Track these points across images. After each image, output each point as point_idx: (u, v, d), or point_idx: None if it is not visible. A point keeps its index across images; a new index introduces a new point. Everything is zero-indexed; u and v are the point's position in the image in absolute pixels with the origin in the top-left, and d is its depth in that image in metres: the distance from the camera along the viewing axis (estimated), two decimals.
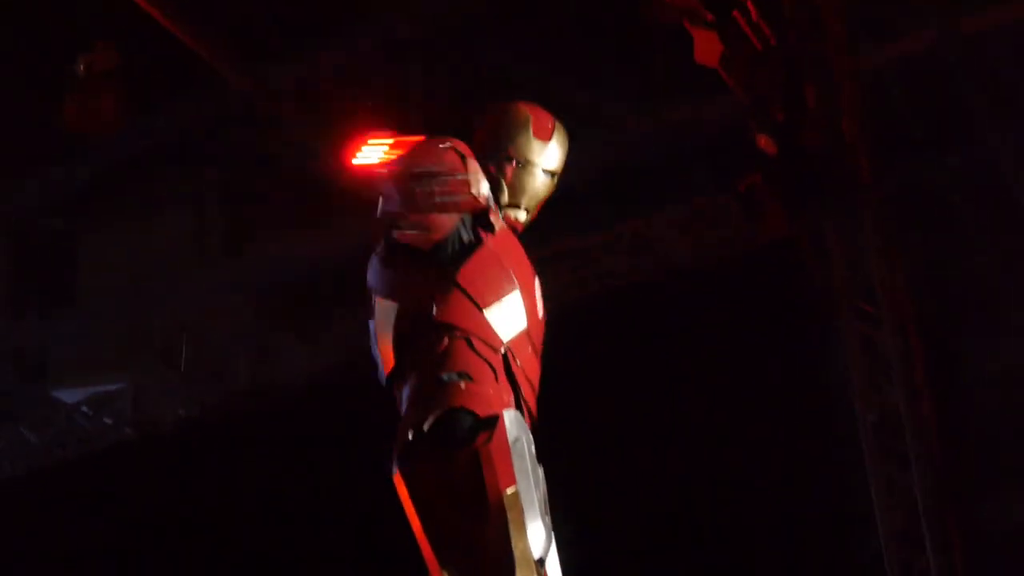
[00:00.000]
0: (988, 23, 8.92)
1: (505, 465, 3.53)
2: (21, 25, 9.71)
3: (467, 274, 3.78)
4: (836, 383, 8.39)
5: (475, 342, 3.75)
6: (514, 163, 4.07)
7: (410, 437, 3.61)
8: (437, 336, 3.76)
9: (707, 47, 6.99)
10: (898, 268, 8.30)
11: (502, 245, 3.92)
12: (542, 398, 3.99)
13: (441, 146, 3.94)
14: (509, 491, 3.51)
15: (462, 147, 3.95)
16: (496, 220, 3.93)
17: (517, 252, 4.01)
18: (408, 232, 3.79)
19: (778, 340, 8.73)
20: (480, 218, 3.88)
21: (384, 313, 3.87)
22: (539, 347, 3.99)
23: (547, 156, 4.12)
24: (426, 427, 3.60)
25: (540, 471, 3.77)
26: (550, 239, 9.70)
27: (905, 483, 7.92)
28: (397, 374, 3.82)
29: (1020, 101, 9.98)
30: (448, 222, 3.80)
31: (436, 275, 3.78)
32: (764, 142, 7.22)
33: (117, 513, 11.00)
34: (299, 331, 10.63)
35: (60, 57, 9.50)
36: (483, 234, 3.86)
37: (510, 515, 3.49)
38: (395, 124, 9.83)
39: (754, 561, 8.90)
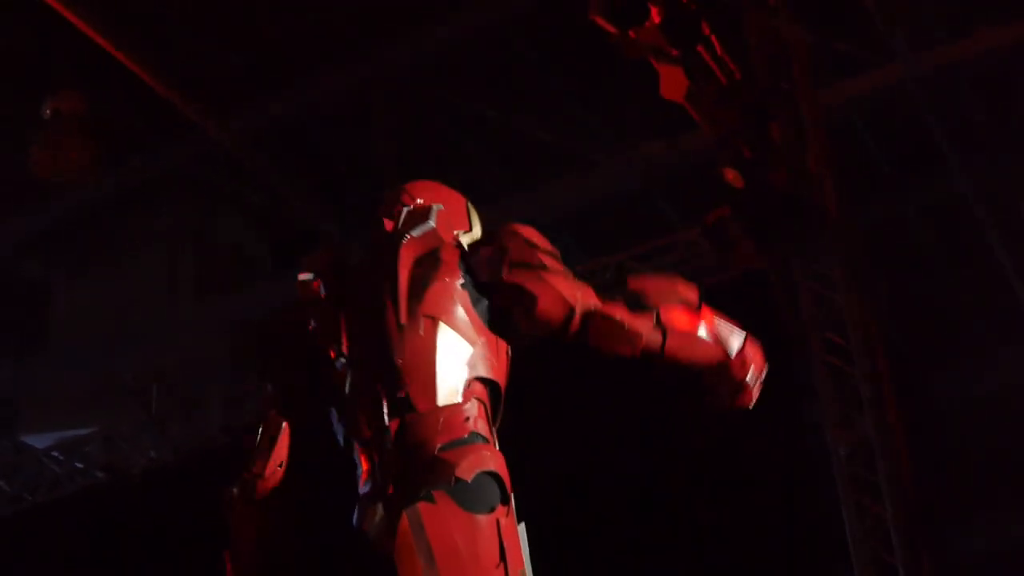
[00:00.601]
0: (950, 57, 8.97)
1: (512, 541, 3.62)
2: None
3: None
4: (807, 414, 8.40)
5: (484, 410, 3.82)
6: None
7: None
8: (474, 399, 3.80)
9: (673, 82, 6.98)
10: (866, 300, 8.31)
11: None
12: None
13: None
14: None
15: None
16: None
17: None
18: None
19: None
20: None
21: None
22: None
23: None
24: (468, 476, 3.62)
25: None
26: None
27: (877, 511, 7.93)
28: None
29: (982, 133, 10.06)
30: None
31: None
32: (732, 176, 7.23)
33: (89, 555, 10.93)
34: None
35: (26, 105, 9.49)
36: None
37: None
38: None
39: None
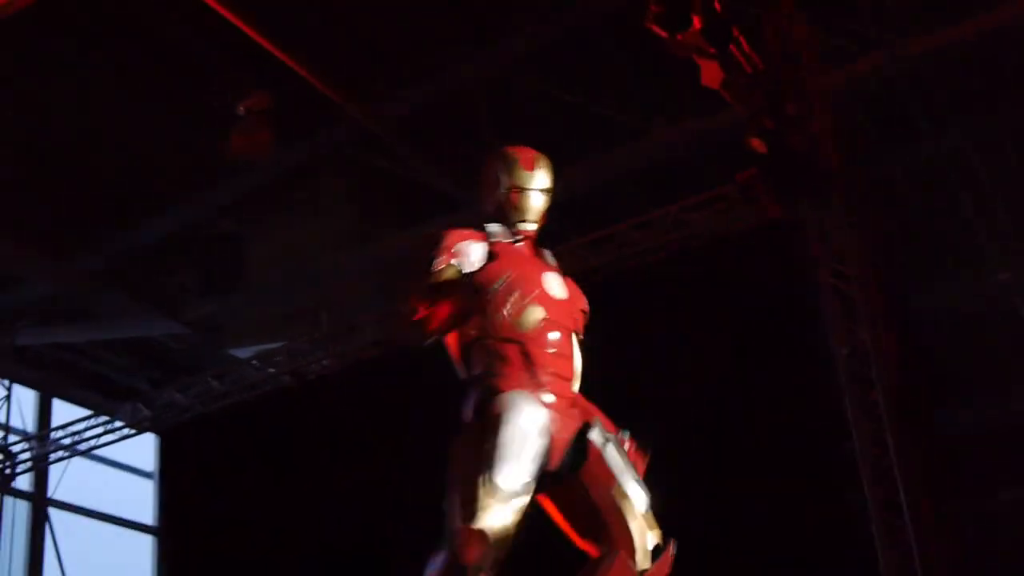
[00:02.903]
0: (925, 46, 8.78)
1: (492, 435, 3.56)
2: (190, 76, 9.77)
3: (485, 295, 3.83)
4: (817, 324, 8.31)
5: (491, 344, 3.80)
6: (514, 191, 4.03)
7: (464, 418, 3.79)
8: (472, 346, 3.86)
9: (711, 74, 6.93)
10: (862, 237, 8.18)
11: (508, 260, 3.93)
12: None
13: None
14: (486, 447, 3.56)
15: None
16: (498, 246, 3.95)
17: (524, 258, 4.01)
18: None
19: (775, 292, 8.66)
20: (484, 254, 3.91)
21: None
22: (567, 320, 3.96)
23: (536, 180, 4.05)
24: (466, 413, 3.77)
25: (596, 435, 3.75)
26: (595, 226, 9.67)
27: (873, 400, 7.81)
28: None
29: (952, 108, 9.85)
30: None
31: (466, 304, 3.84)
32: (757, 144, 7.15)
33: (276, 439, 11.08)
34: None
35: (218, 101, 9.53)
36: (487, 262, 3.89)
37: (484, 464, 3.52)
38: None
39: (750, 458, 8.80)
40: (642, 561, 3.57)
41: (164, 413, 11.92)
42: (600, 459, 3.69)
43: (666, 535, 3.67)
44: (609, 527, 3.61)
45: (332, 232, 11.11)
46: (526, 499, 3.52)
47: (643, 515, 3.64)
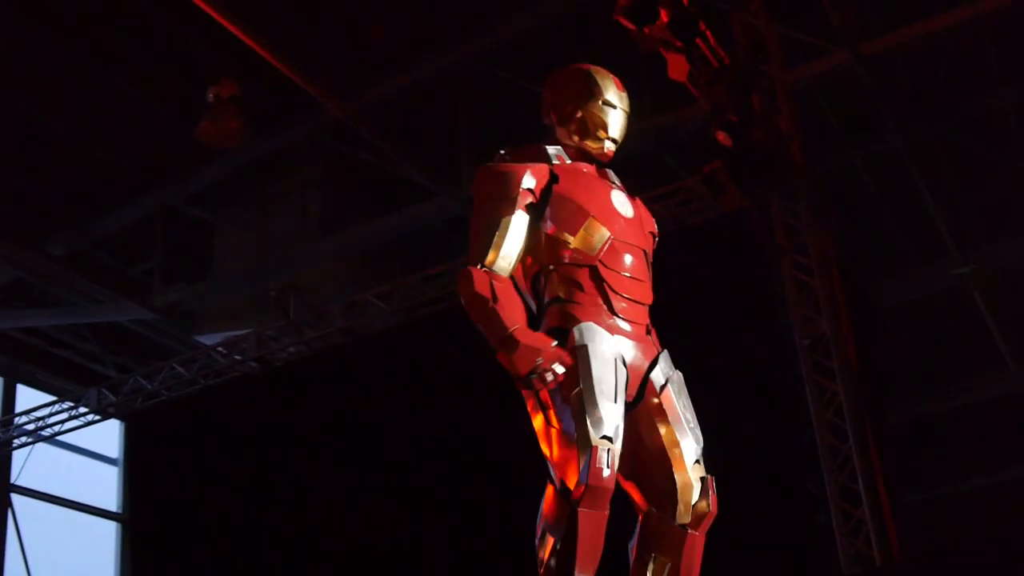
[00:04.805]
0: (887, 45, 8.91)
1: (571, 367, 3.46)
2: (164, 63, 9.77)
3: (549, 220, 3.71)
4: (781, 315, 8.41)
5: (563, 270, 3.68)
6: (606, 107, 3.89)
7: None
8: (542, 275, 3.73)
9: (678, 67, 6.91)
10: (824, 229, 8.29)
11: (572, 182, 3.80)
12: None
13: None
14: (574, 392, 3.45)
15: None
16: (560, 168, 3.81)
17: (589, 179, 3.87)
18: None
19: (738, 283, 8.72)
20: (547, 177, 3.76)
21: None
22: (638, 240, 3.84)
23: (624, 100, 3.97)
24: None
25: (658, 374, 3.69)
26: None
27: (833, 389, 7.93)
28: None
29: (912, 105, 10.00)
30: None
31: (534, 232, 3.72)
32: (723, 137, 7.17)
33: (245, 426, 11.08)
34: (377, 292, 10.67)
35: (195, 88, 9.53)
36: (553, 186, 3.74)
37: (573, 408, 3.43)
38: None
39: (711, 448, 8.90)
40: (683, 514, 3.52)
41: (130, 399, 11.91)
42: (657, 401, 3.64)
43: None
44: (653, 476, 3.56)
45: (302, 220, 11.14)
46: (620, 440, 3.43)
47: (691, 466, 3.57)
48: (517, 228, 3.66)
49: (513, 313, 3.51)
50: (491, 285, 3.51)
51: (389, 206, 10.95)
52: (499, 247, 3.61)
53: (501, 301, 3.49)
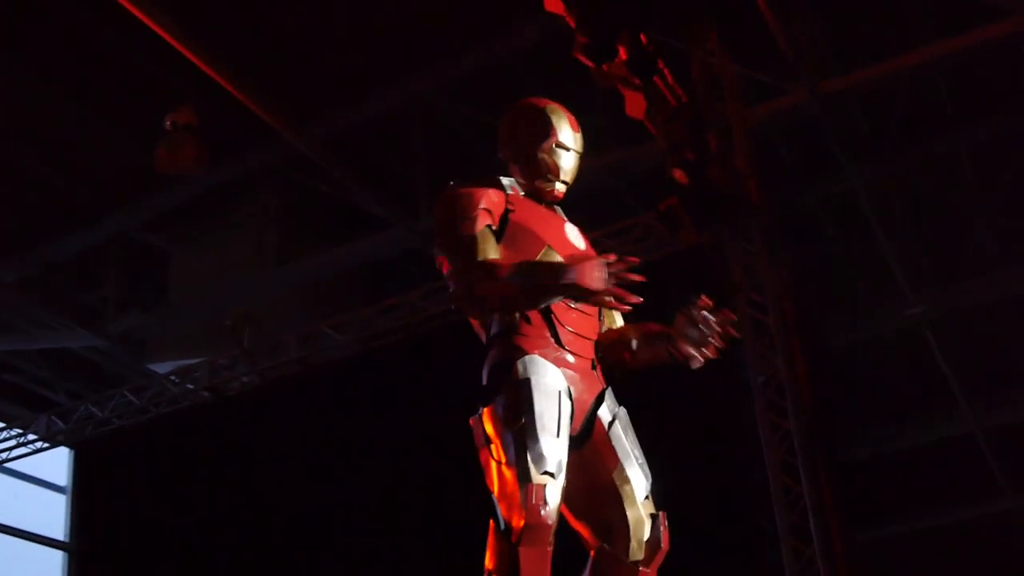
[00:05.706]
0: (844, 84, 8.99)
1: (513, 401, 3.43)
2: (121, 89, 9.72)
3: (504, 248, 3.63)
4: (735, 353, 8.42)
5: None
6: (558, 150, 3.85)
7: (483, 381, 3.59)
8: None
9: (635, 104, 6.94)
10: (779, 268, 8.33)
11: (527, 212, 3.78)
12: None
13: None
14: (517, 426, 3.40)
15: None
16: (514, 199, 3.79)
17: (543, 212, 3.84)
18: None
19: None
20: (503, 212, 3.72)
21: None
22: None
23: (578, 141, 3.93)
24: (484, 376, 3.58)
25: (604, 410, 3.65)
26: None
27: (786, 427, 7.95)
28: None
29: (868, 144, 10.09)
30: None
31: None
32: (679, 175, 7.21)
33: (197, 456, 10.97)
34: (332, 323, 10.63)
35: (152, 115, 9.49)
36: (510, 215, 3.71)
37: (516, 443, 3.36)
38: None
39: (664, 483, 8.89)
40: (635, 551, 3.49)
41: (79, 427, 11.77)
42: (605, 438, 3.60)
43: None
44: (604, 513, 3.54)
45: (258, 249, 11.10)
46: (563, 475, 3.37)
47: (642, 503, 3.55)
48: (488, 237, 3.62)
49: (538, 262, 3.59)
50: (498, 264, 3.53)
51: (346, 237, 10.92)
52: (484, 251, 3.59)
53: (520, 263, 3.54)
